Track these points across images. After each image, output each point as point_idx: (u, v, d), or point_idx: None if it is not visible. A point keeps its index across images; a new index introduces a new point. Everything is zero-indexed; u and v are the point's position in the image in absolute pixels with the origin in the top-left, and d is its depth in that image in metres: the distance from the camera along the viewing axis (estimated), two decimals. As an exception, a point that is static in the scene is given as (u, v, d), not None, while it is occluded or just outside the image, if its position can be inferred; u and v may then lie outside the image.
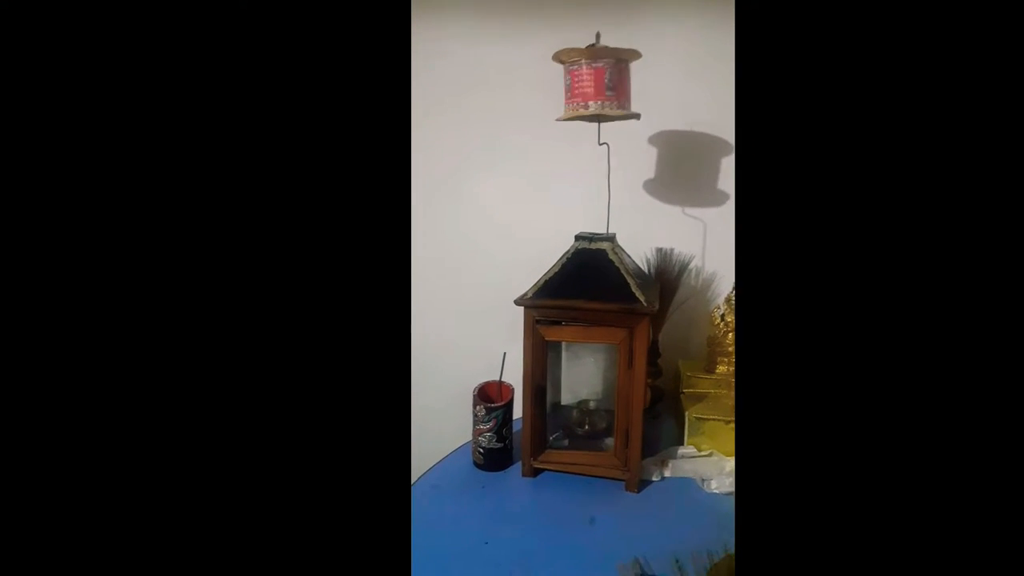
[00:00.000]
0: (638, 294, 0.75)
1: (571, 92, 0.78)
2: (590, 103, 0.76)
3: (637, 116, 0.81)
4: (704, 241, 1.09)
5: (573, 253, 0.79)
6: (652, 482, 0.85)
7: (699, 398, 0.94)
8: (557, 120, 0.82)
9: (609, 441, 0.88)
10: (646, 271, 0.98)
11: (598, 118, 0.81)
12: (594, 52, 0.75)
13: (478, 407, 0.84)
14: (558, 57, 0.79)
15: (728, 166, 1.06)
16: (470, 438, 0.89)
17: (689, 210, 1.10)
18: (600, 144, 0.82)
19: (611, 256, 0.78)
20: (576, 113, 0.78)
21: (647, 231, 1.01)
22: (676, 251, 1.01)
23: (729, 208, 1.07)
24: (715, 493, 0.81)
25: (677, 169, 1.09)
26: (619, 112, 0.77)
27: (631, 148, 1.07)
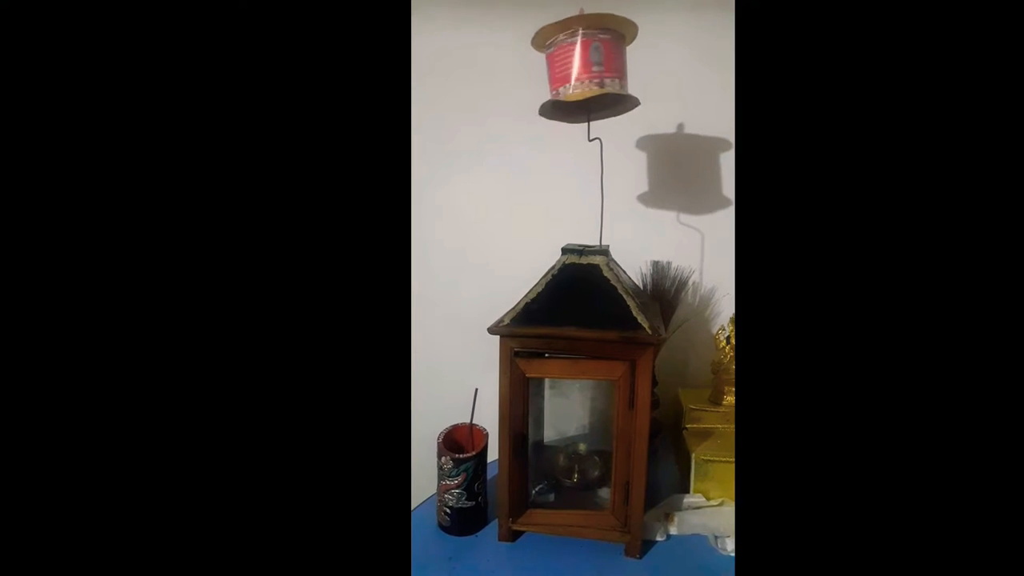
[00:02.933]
0: (640, 319, 0.61)
1: (553, 76, 0.65)
2: (575, 83, 0.62)
3: (636, 102, 0.67)
4: (702, 253, 0.97)
5: (560, 269, 0.65)
6: (656, 542, 0.70)
7: (705, 435, 0.81)
8: (541, 110, 0.68)
9: (604, 494, 0.73)
10: (642, 289, 0.85)
11: (587, 107, 0.67)
12: (580, 21, 0.61)
13: (444, 458, 0.68)
14: (536, 41, 0.65)
15: (726, 168, 0.94)
16: (433, 493, 0.73)
17: (684, 218, 0.97)
18: (591, 140, 0.68)
19: (606, 272, 0.64)
20: (565, 96, 0.63)
21: (638, 242, 0.88)
22: (673, 265, 0.88)
23: (728, 216, 0.95)
24: (731, 555, 0.68)
25: (670, 173, 0.96)
26: (613, 90, 0.63)
27: (618, 149, 0.94)
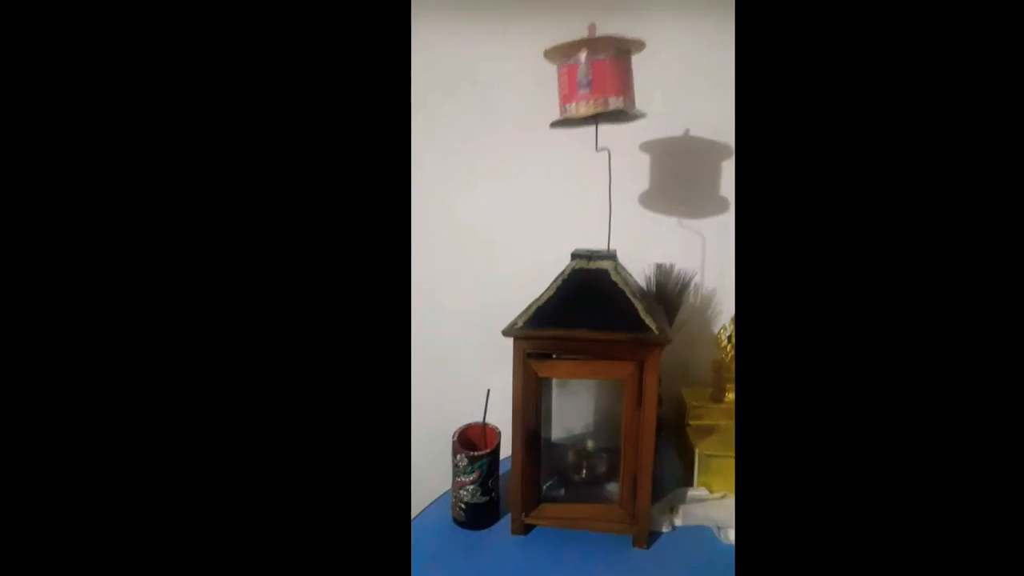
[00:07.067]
0: (648, 321, 0.64)
1: (562, 93, 0.68)
2: (583, 102, 0.65)
3: (641, 115, 0.71)
4: (703, 255, 1.00)
5: (570, 274, 0.68)
6: (662, 534, 0.74)
7: (707, 431, 0.84)
8: (552, 126, 0.71)
9: (612, 488, 0.76)
10: (647, 291, 0.88)
11: (596, 119, 0.70)
12: (590, 44, 0.64)
13: (459, 456, 0.71)
14: (550, 55, 0.68)
15: (727, 173, 0.97)
16: (448, 489, 0.76)
17: (686, 222, 1.00)
18: (598, 150, 0.71)
19: (614, 277, 0.67)
20: (574, 114, 0.67)
21: (642, 245, 0.91)
22: (676, 267, 0.91)
23: (729, 219, 0.98)
24: (732, 544, 0.71)
25: (672, 177, 0.99)
26: (617, 107, 0.66)
27: (621, 154, 0.96)
